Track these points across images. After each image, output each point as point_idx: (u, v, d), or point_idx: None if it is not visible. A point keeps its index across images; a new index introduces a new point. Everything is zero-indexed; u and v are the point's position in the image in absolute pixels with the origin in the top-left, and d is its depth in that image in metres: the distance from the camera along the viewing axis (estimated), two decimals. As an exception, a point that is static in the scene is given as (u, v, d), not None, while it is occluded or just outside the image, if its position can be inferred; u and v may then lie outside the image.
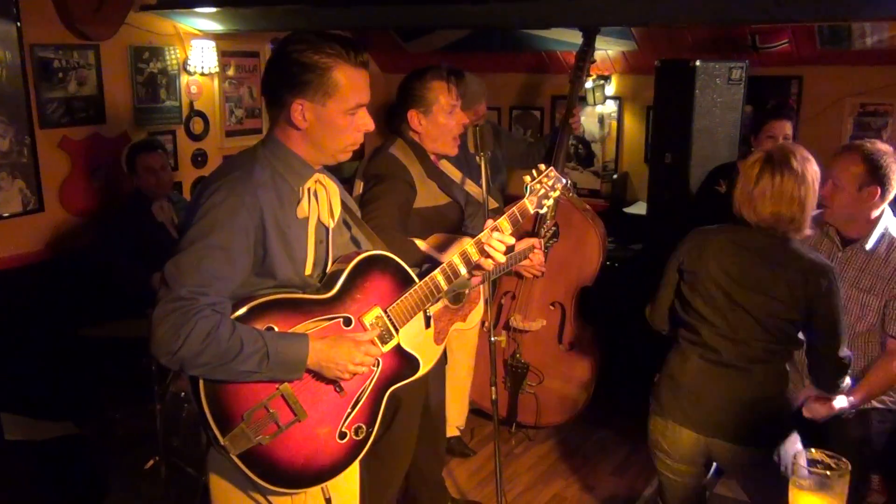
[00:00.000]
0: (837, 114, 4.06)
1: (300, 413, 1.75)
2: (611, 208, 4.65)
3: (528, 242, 3.00)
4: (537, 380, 3.81)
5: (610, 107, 4.74)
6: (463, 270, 1.98)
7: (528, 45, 4.69)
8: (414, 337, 2.57)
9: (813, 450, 1.49)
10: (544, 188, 2.07)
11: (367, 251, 1.89)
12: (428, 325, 2.63)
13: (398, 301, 1.91)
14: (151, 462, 3.26)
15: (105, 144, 3.95)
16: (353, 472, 1.98)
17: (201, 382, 1.65)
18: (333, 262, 1.87)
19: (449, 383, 3.11)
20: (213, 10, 3.97)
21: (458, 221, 2.80)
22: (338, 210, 1.88)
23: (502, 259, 2.00)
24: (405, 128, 2.72)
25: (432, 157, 2.75)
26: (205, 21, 4.30)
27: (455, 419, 3.52)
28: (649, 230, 4.12)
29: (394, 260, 1.93)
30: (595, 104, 4.64)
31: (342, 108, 1.75)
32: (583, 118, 4.28)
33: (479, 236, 1.97)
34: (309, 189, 1.81)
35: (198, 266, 1.62)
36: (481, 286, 2.72)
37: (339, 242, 1.91)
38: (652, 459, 2.45)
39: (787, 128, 3.32)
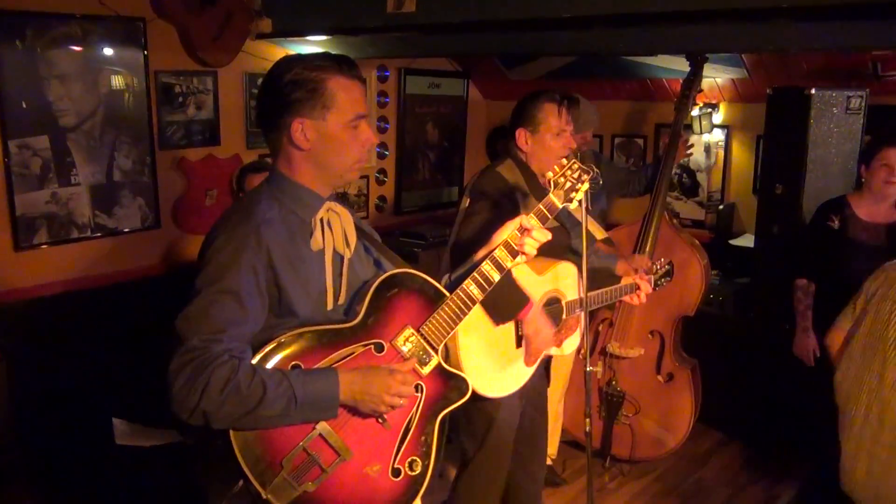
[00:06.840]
0: (969, 145, 3.80)
1: (343, 452, 1.66)
2: (716, 240, 4.50)
3: (637, 278, 2.93)
4: (633, 410, 3.71)
5: (717, 135, 4.60)
6: (496, 276, 1.85)
7: (632, 72, 4.63)
8: (500, 353, 2.55)
9: None
10: (569, 181, 1.94)
11: (387, 272, 1.80)
12: (519, 345, 2.61)
13: (430, 318, 1.80)
14: (241, 482, 3.30)
15: (218, 165, 4.14)
16: None
17: (232, 434, 1.57)
18: (359, 292, 1.79)
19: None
20: (324, 38, 4.12)
21: (565, 246, 2.78)
22: (353, 238, 1.81)
23: (533, 252, 1.86)
24: (513, 146, 2.74)
25: (540, 178, 2.74)
26: (316, 48, 4.46)
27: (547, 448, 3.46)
28: (757, 263, 3.97)
29: (419, 276, 1.82)
30: (702, 133, 4.51)
31: (343, 121, 1.69)
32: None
33: (508, 238, 1.85)
34: (322, 220, 1.74)
35: (207, 313, 1.57)
36: (580, 314, 2.67)
37: (363, 271, 1.84)
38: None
39: None
